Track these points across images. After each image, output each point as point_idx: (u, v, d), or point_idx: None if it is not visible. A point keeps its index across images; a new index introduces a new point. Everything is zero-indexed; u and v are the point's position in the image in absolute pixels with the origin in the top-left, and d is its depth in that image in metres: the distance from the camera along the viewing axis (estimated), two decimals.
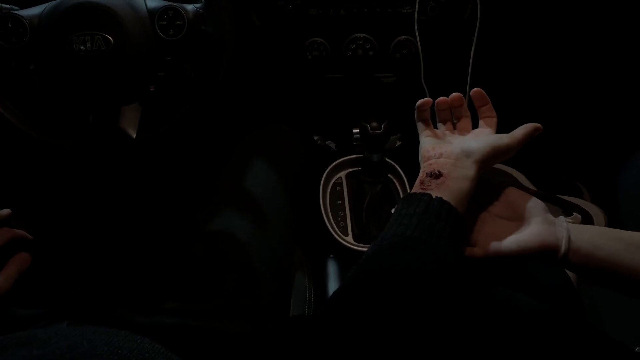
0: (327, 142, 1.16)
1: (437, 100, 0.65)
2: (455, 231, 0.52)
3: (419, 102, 0.64)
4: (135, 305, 0.64)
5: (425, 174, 0.56)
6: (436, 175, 0.55)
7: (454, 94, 0.65)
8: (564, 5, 0.99)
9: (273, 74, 1.09)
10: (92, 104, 0.74)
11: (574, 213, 0.63)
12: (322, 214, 0.98)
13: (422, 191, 0.55)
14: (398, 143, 1.11)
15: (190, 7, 0.71)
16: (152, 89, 0.79)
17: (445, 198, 0.53)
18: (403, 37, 0.95)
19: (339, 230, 0.97)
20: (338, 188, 1.03)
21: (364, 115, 0.98)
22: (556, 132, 1.26)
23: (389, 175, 1.02)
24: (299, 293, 0.83)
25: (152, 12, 0.70)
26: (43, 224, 0.94)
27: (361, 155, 1.02)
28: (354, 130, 1.02)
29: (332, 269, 0.97)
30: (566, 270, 0.76)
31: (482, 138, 0.59)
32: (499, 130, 0.63)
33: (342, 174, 1.05)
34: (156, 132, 0.77)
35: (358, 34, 0.95)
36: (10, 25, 0.68)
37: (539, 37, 1.07)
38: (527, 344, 0.62)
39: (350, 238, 0.97)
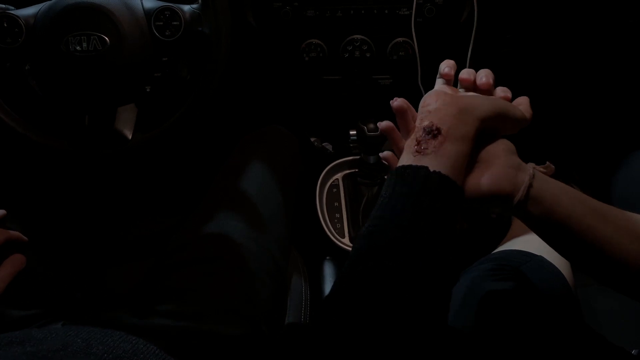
0: (324, 144, 1.16)
1: (462, 77, 0.59)
2: (453, 211, 0.49)
3: (445, 67, 0.59)
4: (131, 307, 0.64)
5: (422, 131, 0.51)
6: (434, 134, 0.51)
7: (483, 81, 0.58)
8: (561, 8, 0.99)
9: (270, 75, 1.09)
10: (88, 105, 0.74)
11: (547, 162, 0.58)
12: (318, 215, 0.97)
13: (419, 157, 0.51)
14: None
15: (187, 7, 0.71)
16: (148, 90, 0.79)
17: (444, 171, 0.48)
18: (400, 39, 0.95)
19: (336, 232, 0.97)
20: (335, 190, 1.03)
21: (361, 117, 0.98)
22: (553, 133, 1.27)
23: (386, 177, 1.02)
24: (296, 295, 0.83)
25: (148, 13, 0.70)
26: (38, 225, 0.93)
27: (358, 157, 1.02)
28: (351, 132, 1.02)
29: (328, 270, 0.96)
30: (564, 274, 0.76)
31: (493, 99, 0.55)
32: None
33: (339, 175, 1.05)
34: (152, 133, 0.76)
35: (355, 36, 0.95)
36: (5, 25, 0.68)
37: (535, 39, 1.07)
38: (525, 347, 0.62)
39: (346, 240, 0.96)
